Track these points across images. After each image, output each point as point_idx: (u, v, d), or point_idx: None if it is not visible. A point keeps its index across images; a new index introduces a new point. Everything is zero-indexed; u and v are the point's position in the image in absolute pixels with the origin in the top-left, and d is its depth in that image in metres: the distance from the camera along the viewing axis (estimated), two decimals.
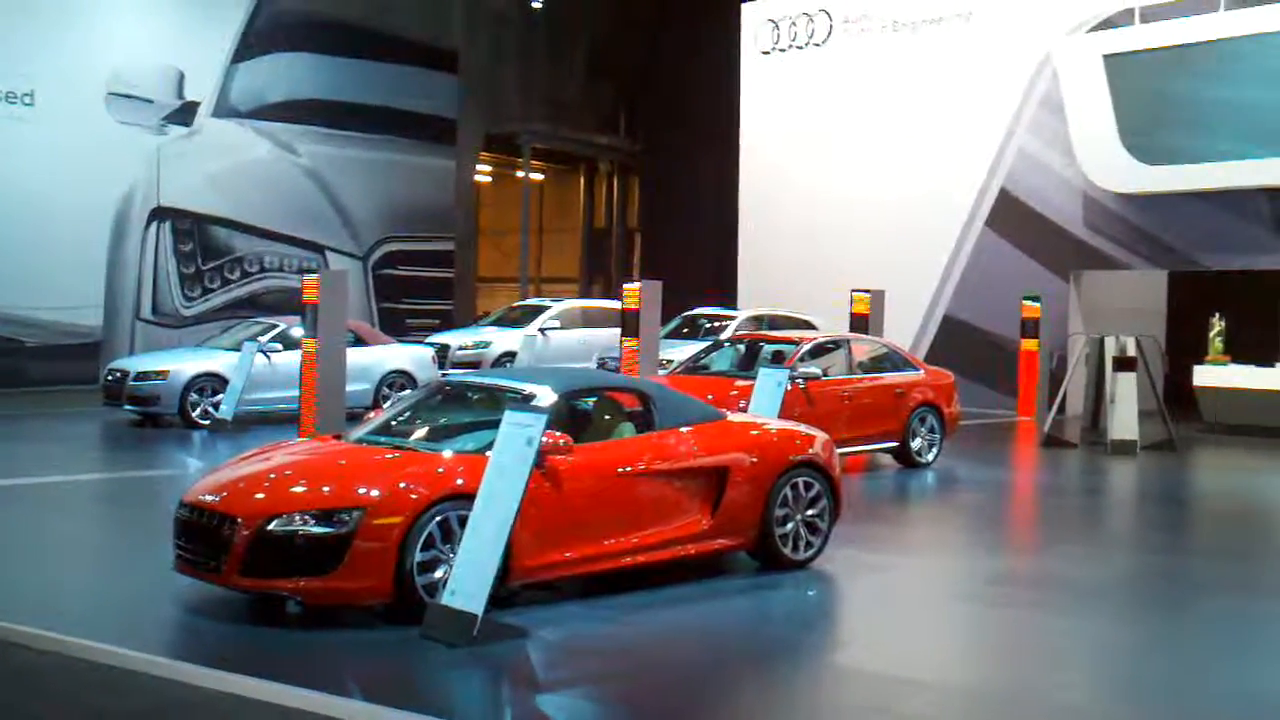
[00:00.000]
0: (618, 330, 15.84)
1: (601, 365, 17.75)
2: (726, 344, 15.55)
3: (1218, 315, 19.16)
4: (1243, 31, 18.62)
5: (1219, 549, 10.45)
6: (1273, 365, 19.10)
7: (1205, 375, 18.80)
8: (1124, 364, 15.64)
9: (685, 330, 20.08)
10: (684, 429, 8.09)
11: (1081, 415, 16.86)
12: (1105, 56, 19.88)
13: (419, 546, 6.69)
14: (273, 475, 7.11)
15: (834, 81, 23.88)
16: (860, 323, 18.24)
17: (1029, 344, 19.79)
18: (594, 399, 8.40)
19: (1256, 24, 18.50)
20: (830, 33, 24.09)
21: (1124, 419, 15.52)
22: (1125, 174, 19.85)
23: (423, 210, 26.88)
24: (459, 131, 27.41)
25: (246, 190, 24.04)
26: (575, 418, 7.99)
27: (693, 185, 27.93)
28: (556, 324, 20.24)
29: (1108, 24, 20.25)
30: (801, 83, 24.46)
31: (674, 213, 28.92)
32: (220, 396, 15.87)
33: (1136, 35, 19.79)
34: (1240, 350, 19.26)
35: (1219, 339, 18.96)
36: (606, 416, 8.29)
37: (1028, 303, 19.79)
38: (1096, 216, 20.48)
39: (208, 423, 15.76)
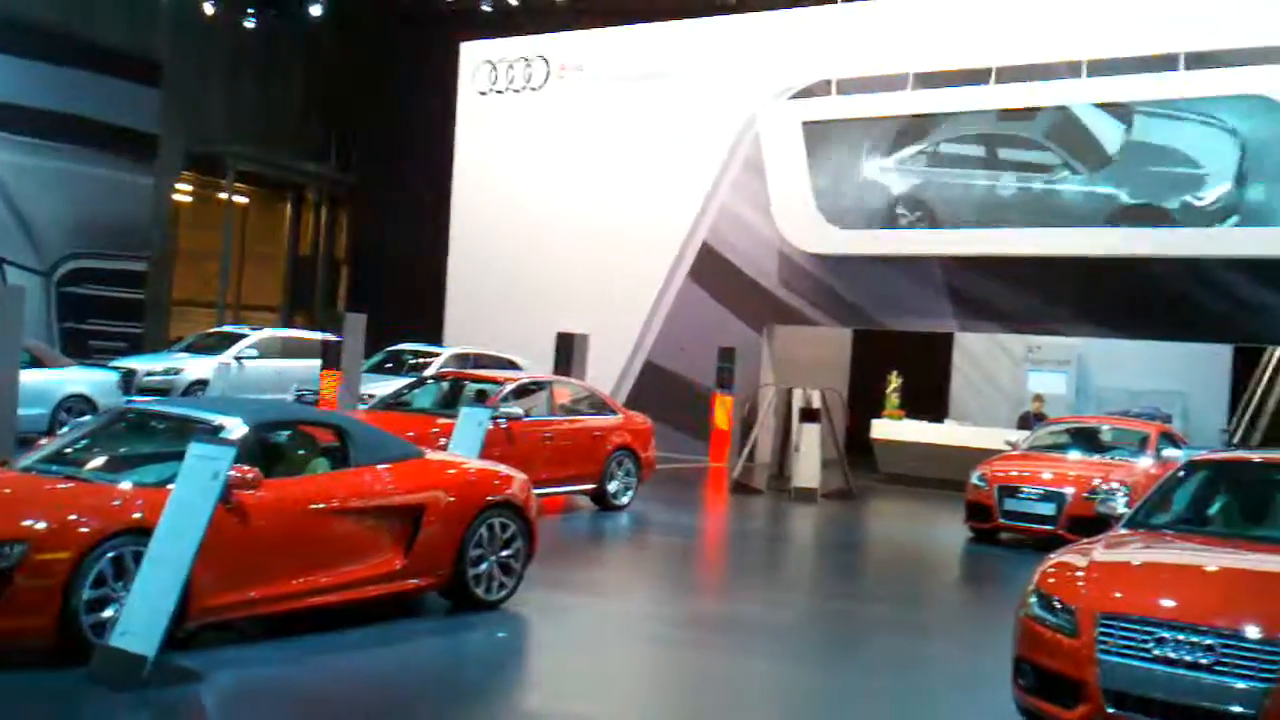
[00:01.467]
0: (318, 362, 15.49)
1: (299, 398, 17.29)
2: (430, 381, 15.45)
3: (895, 373, 20.45)
4: (928, 110, 20.02)
5: (890, 592, 11.10)
6: (942, 421, 20.52)
7: (882, 428, 20.01)
8: (809, 415, 16.45)
9: (389, 365, 19.82)
10: (381, 466, 7.98)
11: (769, 463, 17.58)
12: (804, 123, 20.97)
13: (88, 584, 6.32)
14: None
15: (549, 127, 24.23)
16: (563, 365, 18.50)
17: (723, 395, 20.52)
18: (288, 433, 8.18)
19: (941, 104, 19.93)
20: (547, 78, 24.44)
21: (807, 467, 16.31)
22: (817, 235, 20.95)
23: (116, 227, 25.48)
24: (160, 148, 26.20)
25: None
26: (266, 451, 7.74)
27: (405, 220, 27.66)
28: (254, 353, 19.59)
29: (808, 92, 21.37)
30: (517, 126, 24.70)
31: (385, 246, 28.55)
32: None
33: (833, 105, 20.98)
34: (914, 406, 20.59)
35: (895, 395, 20.24)
36: (300, 451, 8.09)
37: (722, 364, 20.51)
38: (790, 274, 21.50)
39: None
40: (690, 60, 22.75)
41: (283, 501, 7.22)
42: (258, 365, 19.38)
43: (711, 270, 22.21)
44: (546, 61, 24.46)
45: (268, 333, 20.76)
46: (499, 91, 25.07)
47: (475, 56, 25.48)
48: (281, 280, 31.83)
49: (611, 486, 14.16)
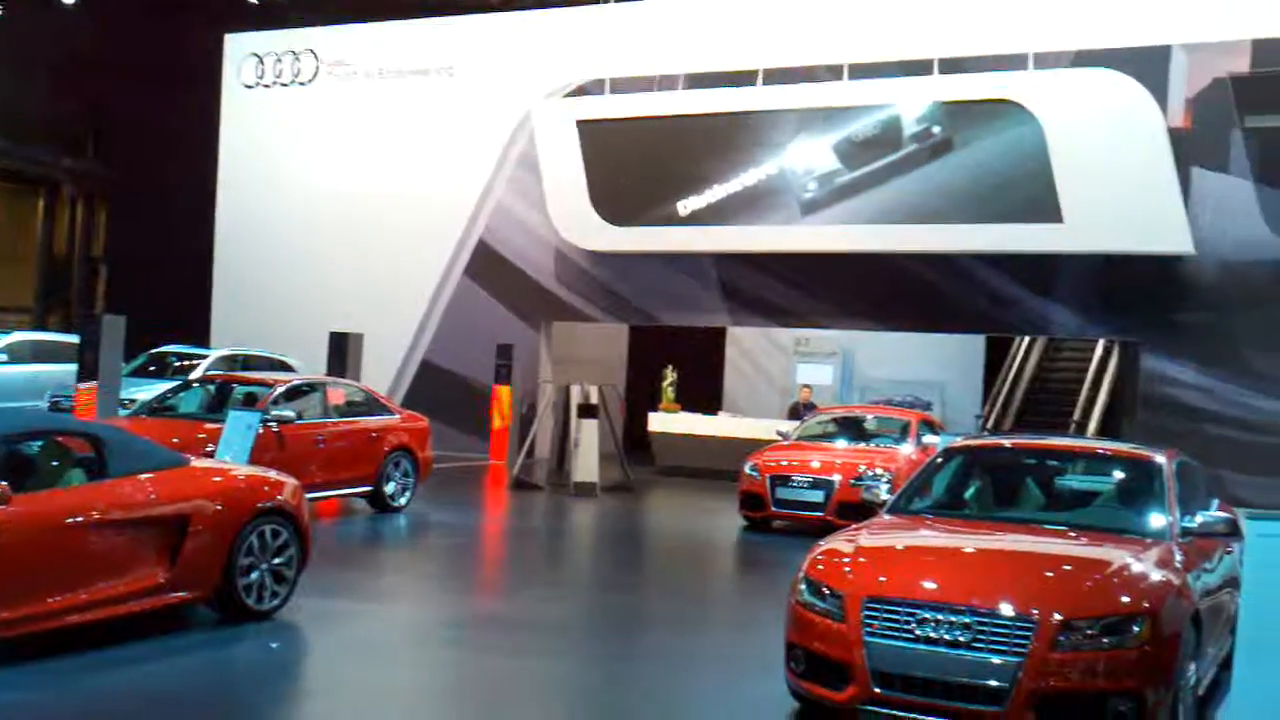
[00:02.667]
0: (74, 366, 14.76)
1: (54, 405, 16.42)
2: (196, 384, 14.88)
3: (670, 367, 20.80)
4: (699, 110, 20.39)
5: (667, 584, 11.28)
6: (716, 413, 20.98)
7: (659, 422, 20.32)
8: (587, 411, 16.57)
9: (152, 369, 19.00)
10: (142, 476, 7.64)
11: (548, 459, 17.63)
12: (578, 122, 21.08)
13: None
14: None
15: (320, 123, 23.68)
16: (337, 366, 18.12)
17: (502, 390, 20.46)
18: (39, 443, 7.75)
19: (711, 104, 20.31)
20: (316, 73, 23.88)
21: (586, 462, 16.43)
22: (593, 233, 21.09)
23: None
24: None
25: None
26: (16, 464, 7.31)
27: (169, 216, 26.55)
28: (3, 357, 18.52)
29: (582, 91, 21.50)
30: (286, 121, 24.05)
31: (147, 243, 27.32)
32: None
33: (607, 104, 21.16)
34: (689, 399, 20.98)
35: (671, 389, 20.58)
36: (53, 462, 7.67)
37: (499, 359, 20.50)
38: (567, 271, 21.60)
39: None
40: (464, 56, 22.59)
41: (34, 517, 6.83)
42: (7, 371, 18.33)
43: (488, 268, 22.11)
44: (316, 55, 23.89)
45: (18, 336, 19.64)
46: (266, 86, 24.37)
47: (241, 49, 24.70)
48: (33, 280, 30.18)
49: (389, 488, 13.94)
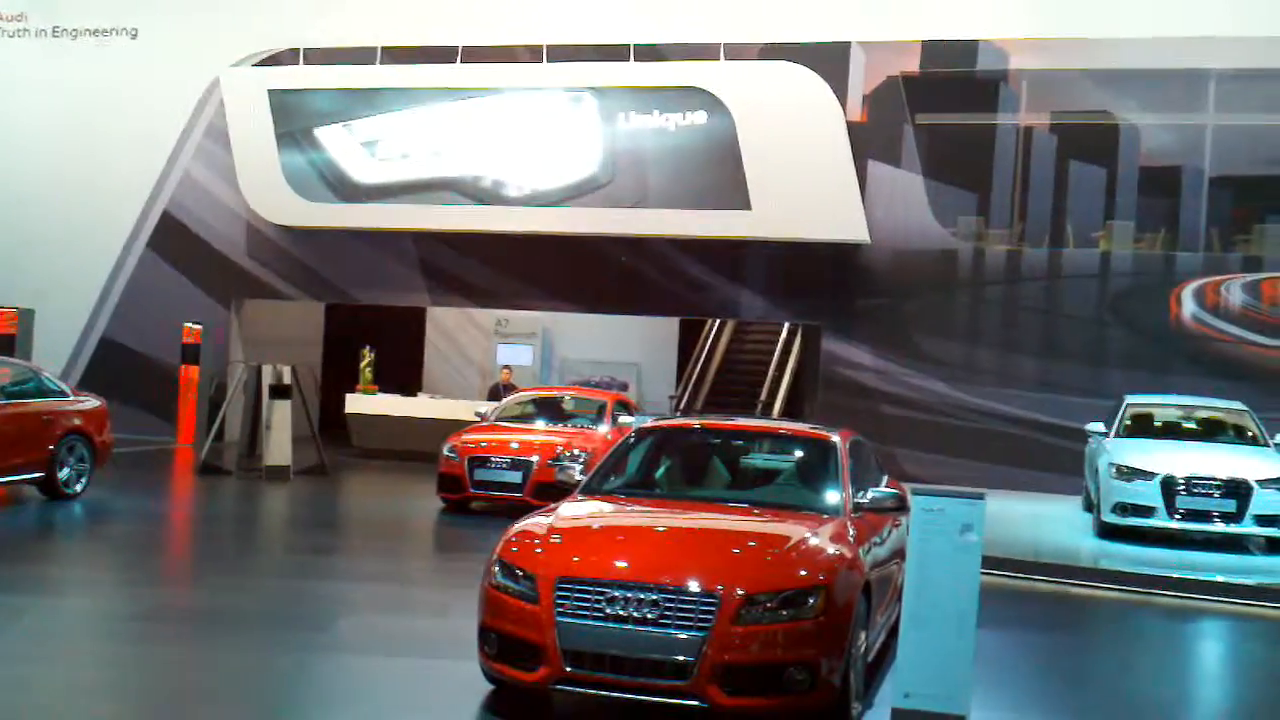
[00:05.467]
0: None
1: None
2: None
3: (368, 348, 20.45)
4: (395, 85, 20.01)
5: (363, 569, 11.11)
6: (414, 395, 20.80)
7: (356, 403, 19.96)
8: (279, 392, 16.10)
9: None
10: None
11: (239, 442, 17.03)
12: (270, 91, 20.33)
13: None
14: None
15: None
16: (6, 343, 16.91)
17: (189, 370, 19.63)
18: None
19: (408, 80, 19.99)
20: None
21: (279, 445, 15.97)
22: (286, 208, 20.42)
23: None
24: None
25: None
26: None
27: None
28: None
29: (275, 60, 20.76)
30: None
31: None
32: None
33: (300, 75, 20.50)
34: (388, 380, 20.71)
35: (369, 369, 20.24)
36: None
37: (190, 325, 19.68)
38: (259, 247, 20.87)
39: None
40: (149, 18, 21.36)
41: None
42: None
43: (175, 241, 21.08)
44: None
45: None
46: None
47: None
48: None
49: (62, 474, 13.13)
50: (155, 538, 12.43)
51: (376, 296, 21.02)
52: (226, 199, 20.85)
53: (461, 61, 19.85)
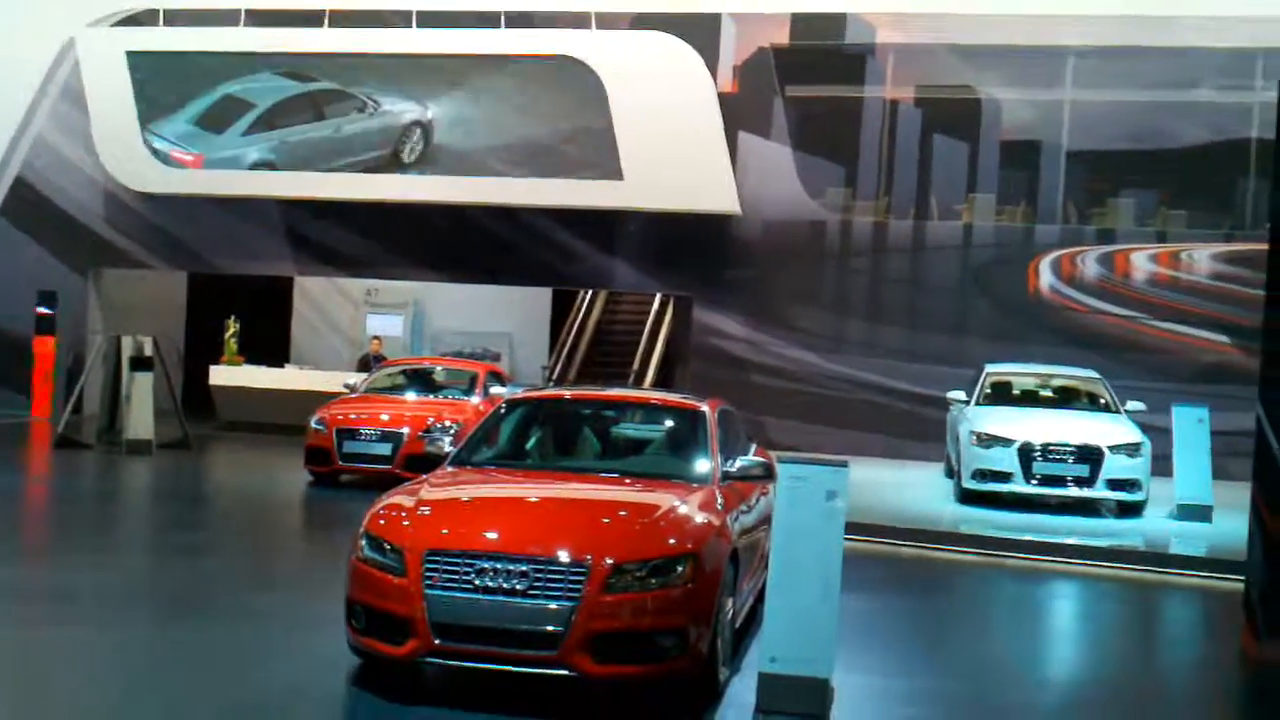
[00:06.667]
0: None
1: None
2: None
3: (233, 318, 20.02)
4: (259, 49, 19.52)
5: (229, 544, 10.91)
6: (282, 366, 20.44)
7: (221, 375, 19.54)
8: (140, 363, 15.68)
9: None
10: None
11: (98, 415, 16.57)
12: (129, 53, 19.65)
13: None
14: None
15: None
16: None
17: (45, 341, 19.00)
18: None
19: (271, 43, 19.49)
20: None
21: (140, 419, 15.57)
22: (146, 174, 19.80)
23: None
24: None
25: None
26: None
27: None
28: None
29: (134, 20, 20.08)
30: None
31: None
32: None
33: (160, 36, 19.87)
34: (255, 351, 20.30)
35: (234, 340, 19.83)
36: None
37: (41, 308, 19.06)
38: (118, 214, 20.23)
39: None
40: None
41: None
42: None
43: (28, 207, 20.33)
44: None
45: None
46: None
47: None
48: None
49: None
50: (8, 515, 12.01)
51: (241, 266, 20.54)
52: (83, 164, 20.16)
53: (329, 25, 19.44)
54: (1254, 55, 17.07)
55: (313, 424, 14.02)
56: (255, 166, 19.26)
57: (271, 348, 21.96)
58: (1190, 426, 12.97)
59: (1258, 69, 17.26)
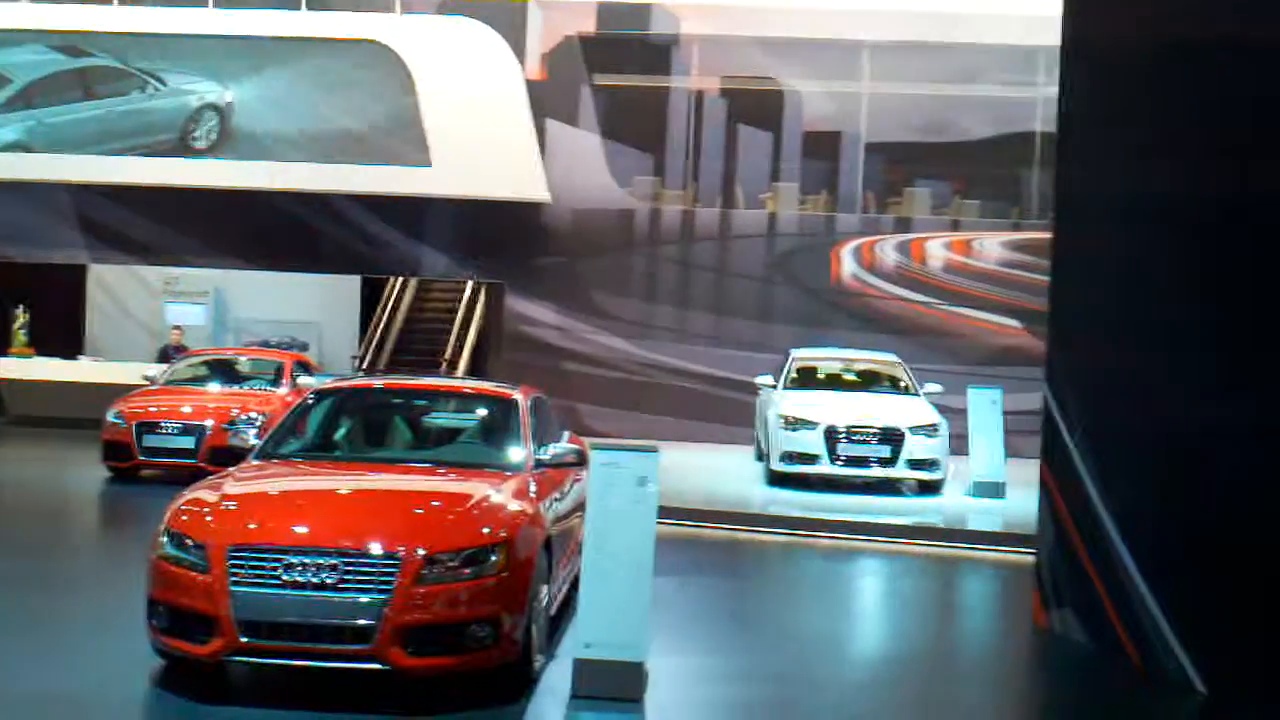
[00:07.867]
0: None
1: None
2: None
3: (21, 307, 19.08)
4: (54, 25, 18.57)
5: (19, 546, 10.40)
6: (75, 358, 19.58)
7: (9, 367, 18.63)
8: None
9: None
10: None
11: None
12: None
13: None
14: None
15: None
16: None
17: None
18: None
19: (75, 22, 18.54)
20: None
21: None
22: None
23: None
24: None
25: None
26: None
27: None
28: None
29: None
30: None
31: None
32: None
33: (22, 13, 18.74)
34: (46, 342, 19.40)
35: (23, 331, 18.93)
36: None
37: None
38: None
39: None
40: None
41: None
42: None
43: None
44: None
45: None
46: None
47: None
48: None
49: None
50: None
51: (28, 253, 19.58)
52: None
53: (119, 4, 18.66)
54: (1036, 52, 17.86)
55: (110, 418, 13.50)
56: (9, 148, 18.29)
57: (64, 338, 21.00)
58: (984, 408, 13.58)
59: (1040, 64, 18.07)
